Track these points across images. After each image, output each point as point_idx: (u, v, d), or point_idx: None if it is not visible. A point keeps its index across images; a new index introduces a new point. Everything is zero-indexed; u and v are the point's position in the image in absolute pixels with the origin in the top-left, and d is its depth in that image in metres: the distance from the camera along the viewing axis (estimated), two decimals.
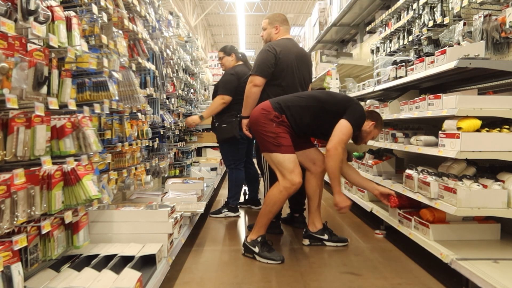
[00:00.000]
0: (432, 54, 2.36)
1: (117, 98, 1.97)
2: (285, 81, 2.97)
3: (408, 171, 2.50)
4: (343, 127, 2.43)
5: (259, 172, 3.54)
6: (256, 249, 2.45)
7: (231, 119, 3.53)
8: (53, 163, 1.50)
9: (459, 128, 2.00)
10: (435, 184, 2.15)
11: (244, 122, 3.18)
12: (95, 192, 1.58)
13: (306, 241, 2.73)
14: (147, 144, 2.76)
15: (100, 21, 1.92)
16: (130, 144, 2.38)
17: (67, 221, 1.58)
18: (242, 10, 13.98)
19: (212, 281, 2.15)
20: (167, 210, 2.06)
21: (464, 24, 2.66)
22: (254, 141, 3.37)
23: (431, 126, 2.93)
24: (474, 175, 2.18)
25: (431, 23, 3.14)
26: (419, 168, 2.43)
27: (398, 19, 3.89)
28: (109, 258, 1.79)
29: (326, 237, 2.69)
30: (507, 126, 2.02)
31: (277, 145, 2.41)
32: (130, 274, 1.62)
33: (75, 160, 1.62)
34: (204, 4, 15.35)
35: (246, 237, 2.54)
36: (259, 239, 2.47)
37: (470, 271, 1.79)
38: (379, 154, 3.48)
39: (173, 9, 4.46)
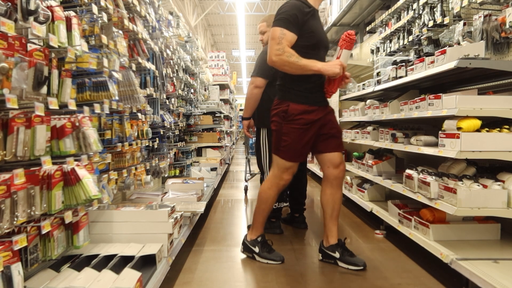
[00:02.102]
0: (432, 54, 2.36)
1: (117, 98, 1.97)
2: None
3: (408, 171, 2.50)
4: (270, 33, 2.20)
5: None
6: (256, 249, 2.43)
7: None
8: (53, 163, 1.50)
9: (459, 128, 2.00)
10: (435, 184, 2.15)
11: (245, 123, 3.18)
12: (95, 192, 1.58)
13: (319, 256, 2.45)
14: (147, 144, 2.76)
15: (100, 21, 1.92)
16: (130, 144, 2.37)
17: (67, 221, 1.58)
18: (242, 10, 13.98)
19: (212, 281, 2.15)
20: (167, 210, 2.06)
21: (464, 24, 2.66)
22: (253, 140, 3.37)
23: (431, 126, 2.93)
24: (474, 175, 2.18)
25: (431, 23, 3.14)
26: (419, 168, 2.43)
27: (398, 19, 3.89)
28: (109, 258, 1.79)
29: (337, 255, 2.33)
30: (507, 126, 2.02)
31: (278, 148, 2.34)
32: (130, 274, 1.62)
33: (75, 160, 1.62)
34: (204, 4, 15.35)
35: (246, 235, 2.52)
36: (259, 239, 2.45)
37: (470, 271, 1.79)
38: (379, 154, 3.48)
39: (173, 9, 4.46)
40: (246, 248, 2.49)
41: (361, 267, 2.26)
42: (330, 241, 2.37)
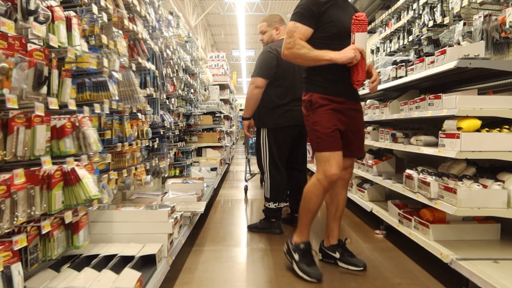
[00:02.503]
0: (432, 54, 2.36)
1: (117, 98, 1.97)
2: (286, 81, 2.98)
3: (408, 171, 2.50)
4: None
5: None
6: (296, 257, 2.21)
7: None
8: (53, 163, 1.50)
9: (459, 128, 2.00)
10: (435, 184, 2.15)
11: (245, 123, 3.18)
12: (95, 192, 1.58)
13: (319, 256, 2.42)
14: (147, 144, 2.76)
15: (100, 21, 1.92)
16: (130, 144, 2.37)
17: (67, 221, 1.58)
18: (242, 10, 13.97)
19: (212, 281, 2.15)
20: (167, 210, 2.06)
21: (464, 24, 2.66)
22: (254, 140, 3.37)
23: (431, 126, 2.93)
24: (474, 175, 2.18)
25: (431, 23, 3.14)
26: (419, 168, 2.43)
27: (398, 19, 3.89)
28: (109, 258, 1.79)
29: (337, 255, 2.32)
30: (507, 126, 2.02)
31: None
32: (130, 274, 1.62)
33: (75, 160, 1.62)
34: (204, 4, 15.34)
35: (292, 236, 2.30)
36: (301, 245, 2.21)
37: (470, 271, 1.79)
38: (379, 154, 3.48)
39: (173, 9, 4.46)
40: (287, 251, 2.29)
41: (361, 268, 2.25)
42: (331, 241, 2.36)
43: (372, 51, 4.57)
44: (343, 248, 2.33)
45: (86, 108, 1.74)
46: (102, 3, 1.96)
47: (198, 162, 5.26)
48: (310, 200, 2.19)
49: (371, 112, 3.36)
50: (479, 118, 2.00)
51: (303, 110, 2.26)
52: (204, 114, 5.78)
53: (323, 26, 2.13)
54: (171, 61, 3.50)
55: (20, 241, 1.30)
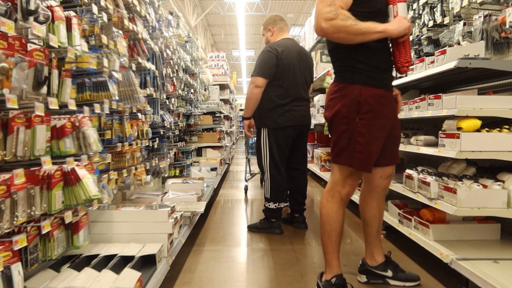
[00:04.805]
0: (432, 54, 2.36)
1: (117, 98, 1.97)
2: (286, 81, 2.98)
3: (408, 171, 2.50)
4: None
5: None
6: None
7: None
8: (53, 163, 1.50)
9: (459, 128, 2.00)
10: (435, 184, 2.15)
11: (245, 123, 3.18)
12: (95, 192, 1.58)
13: (363, 278, 2.11)
14: (147, 144, 2.76)
15: (100, 21, 1.92)
16: (130, 144, 2.37)
17: (67, 221, 1.58)
18: (242, 10, 13.97)
19: (212, 281, 2.15)
20: (167, 210, 2.06)
21: (464, 24, 2.66)
22: (253, 140, 3.37)
23: (431, 126, 2.93)
24: (474, 175, 2.18)
25: (431, 23, 3.14)
26: (419, 168, 2.43)
27: None
28: (109, 258, 1.79)
29: (389, 273, 2.05)
30: (507, 126, 2.02)
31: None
32: (130, 274, 1.62)
33: (75, 160, 1.62)
34: (204, 4, 15.35)
35: (321, 274, 1.96)
36: (333, 280, 1.87)
37: (470, 271, 1.79)
38: None
39: (173, 9, 4.46)
40: None
41: (418, 282, 2.05)
42: (378, 259, 2.07)
43: None
44: (393, 265, 2.07)
45: (86, 108, 1.74)
46: (102, 3, 1.96)
47: (198, 162, 5.26)
48: (329, 220, 1.85)
49: None
50: (479, 118, 2.00)
51: (339, 105, 1.77)
52: (204, 114, 5.78)
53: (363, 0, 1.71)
54: (171, 61, 3.50)
55: (20, 241, 1.30)
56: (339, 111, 1.76)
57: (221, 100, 6.77)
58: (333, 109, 1.79)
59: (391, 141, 1.91)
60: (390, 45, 1.82)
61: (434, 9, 3.13)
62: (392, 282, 2.06)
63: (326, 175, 4.85)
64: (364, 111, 1.72)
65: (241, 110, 14.86)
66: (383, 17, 1.74)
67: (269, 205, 3.07)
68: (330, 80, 4.56)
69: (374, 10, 1.72)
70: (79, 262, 1.75)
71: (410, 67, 2.59)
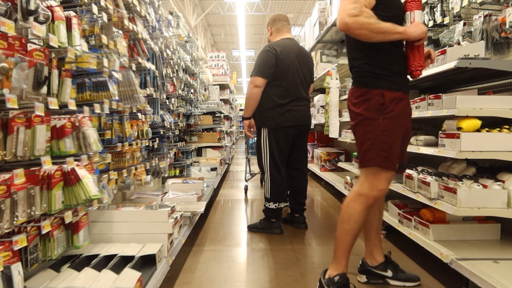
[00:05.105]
0: None
1: (117, 98, 1.97)
2: (286, 81, 2.98)
3: (408, 171, 2.50)
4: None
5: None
6: None
7: None
8: (53, 163, 1.50)
9: (459, 128, 2.00)
10: (435, 184, 2.15)
11: (246, 123, 3.18)
12: (95, 192, 1.58)
13: (363, 278, 2.12)
14: (147, 144, 2.76)
15: (100, 21, 1.92)
16: (130, 144, 2.37)
17: (67, 221, 1.58)
18: (242, 10, 13.97)
19: (212, 281, 2.15)
20: (167, 210, 2.06)
21: (464, 24, 2.66)
22: (253, 140, 3.37)
23: (431, 126, 2.93)
24: (474, 175, 2.18)
25: (431, 23, 3.14)
26: (419, 168, 2.43)
27: None
28: (109, 258, 1.79)
29: (389, 273, 2.07)
30: (507, 126, 2.02)
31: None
32: (130, 274, 1.62)
33: (75, 160, 1.62)
34: (204, 4, 15.35)
35: (325, 271, 1.96)
36: (336, 278, 1.86)
37: (470, 271, 1.79)
38: None
39: (173, 9, 4.46)
40: (319, 287, 1.95)
41: (418, 282, 2.07)
42: (378, 259, 2.09)
43: None
44: (393, 265, 2.09)
45: (86, 108, 1.74)
46: (102, 3, 1.96)
47: (198, 162, 5.26)
48: (350, 219, 1.84)
49: None
50: (479, 118, 2.00)
51: (362, 108, 1.81)
52: (204, 114, 5.78)
53: (387, 4, 1.77)
54: (171, 61, 3.50)
55: (20, 241, 1.30)
56: (363, 114, 1.81)
57: (221, 100, 6.77)
58: (357, 114, 1.84)
59: (403, 141, 1.94)
60: (404, 49, 1.86)
61: (434, 9, 3.13)
62: (392, 282, 2.08)
63: (326, 175, 4.85)
64: (387, 111, 1.77)
65: (241, 110, 14.86)
66: (401, 23, 1.80)
67: (269, 205, 3.07)
68: (330, 80, 4.56)
69: (393, 15, 1.76)
70: (79, 262, 1.75)
71: None
